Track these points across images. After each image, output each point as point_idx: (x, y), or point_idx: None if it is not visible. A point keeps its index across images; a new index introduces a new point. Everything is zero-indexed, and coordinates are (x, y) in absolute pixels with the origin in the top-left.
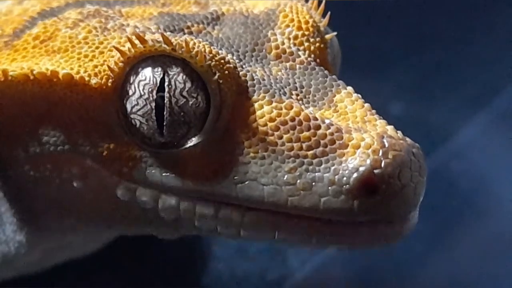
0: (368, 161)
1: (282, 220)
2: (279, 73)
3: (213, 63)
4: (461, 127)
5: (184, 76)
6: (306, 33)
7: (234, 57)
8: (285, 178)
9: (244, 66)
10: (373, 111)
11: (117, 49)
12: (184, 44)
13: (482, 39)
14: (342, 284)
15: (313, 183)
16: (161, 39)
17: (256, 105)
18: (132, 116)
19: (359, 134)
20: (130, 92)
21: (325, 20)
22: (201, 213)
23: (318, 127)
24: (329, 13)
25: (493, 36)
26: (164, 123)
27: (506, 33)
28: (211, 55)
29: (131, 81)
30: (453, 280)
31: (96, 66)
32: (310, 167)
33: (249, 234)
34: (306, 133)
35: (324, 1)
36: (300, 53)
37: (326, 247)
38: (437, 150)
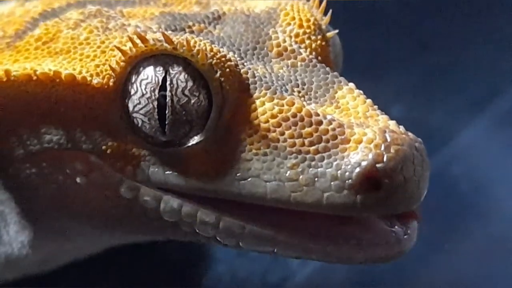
0: (370, 156)
1: (282, 236)
2: (281, 70)
3: (215, 61)
4: (461, 130)
5: (186, 75)
6: (308, 30)
7: (236, 55)
8: (287, 174)
9: (245, 64)
10: (375, 106)
11: (118, 48)
12: (185, 43)
13: (482, 41)
14: (343, 286)
15: (316, 179)
16: (162, 38)
17: (257, 102)
18: (134, 115)
19: (361, 129)
20: (132, 92)
21: (327, 18)
22: (202, 219)
23: (319, 123)
24: (330, 11)
25: (493, 39)
26: (166, 122)
27: (506, 36)
28: (212, 53)
29: (133, 80)
30: (454, 282)
31: (98, 66)
32: (313, 163)
33: (248, 246)
34: (308, 129)
35: (325, 0)
36: (301, 50)
37: (325, 258)
38: (438, 152)
